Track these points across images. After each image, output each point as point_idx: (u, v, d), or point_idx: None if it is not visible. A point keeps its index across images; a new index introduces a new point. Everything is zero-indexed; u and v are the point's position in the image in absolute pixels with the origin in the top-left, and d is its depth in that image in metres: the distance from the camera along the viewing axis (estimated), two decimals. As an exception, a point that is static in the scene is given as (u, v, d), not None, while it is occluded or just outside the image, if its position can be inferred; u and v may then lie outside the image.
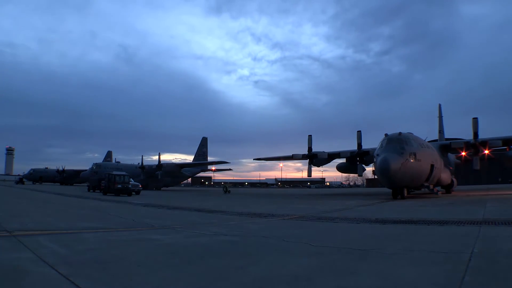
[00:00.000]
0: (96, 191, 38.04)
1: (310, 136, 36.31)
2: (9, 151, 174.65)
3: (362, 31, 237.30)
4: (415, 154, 23.25)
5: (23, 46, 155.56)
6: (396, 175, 22.43)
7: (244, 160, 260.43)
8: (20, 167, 69.75)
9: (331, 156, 37.54)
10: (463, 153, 31.24)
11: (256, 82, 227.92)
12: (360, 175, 48.87)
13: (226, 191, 45.94)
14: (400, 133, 24.49)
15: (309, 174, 38.00)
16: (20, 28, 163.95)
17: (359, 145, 32.55)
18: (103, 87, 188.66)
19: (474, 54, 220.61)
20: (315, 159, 36.65)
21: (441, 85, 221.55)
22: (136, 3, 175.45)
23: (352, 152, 34.72)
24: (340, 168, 38.45)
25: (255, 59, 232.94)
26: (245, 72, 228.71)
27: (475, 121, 28.01)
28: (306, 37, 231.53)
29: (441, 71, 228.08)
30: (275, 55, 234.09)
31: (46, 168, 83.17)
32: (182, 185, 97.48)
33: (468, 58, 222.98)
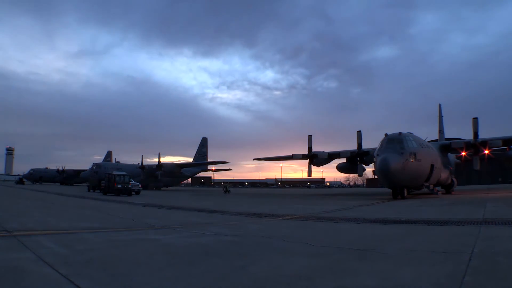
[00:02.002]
0: (96, 191, 38.02)
1: (310, 136, 36.32)
2: (9, 151, 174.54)
3: (282, 65, 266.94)
4: (415, 154, 23.24)
5: (48, 76, 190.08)
6: (396, 175, 22.43)
7: (244, 162, 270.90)
8: (29, 168, 76.50)
9: (331, 156, 37.54)
10: (463, 153, 31.25)
11: (211, 99, 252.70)
12: (360, 175, 48.92)
13: (226, 191, 45.94)
14: (400, 133, 24.48)
15: (309, 174, 38.01)
16: (43, 64, 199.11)
17: (359, 145, 32.55)
18: (111, 105, 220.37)
19: (397, 81, 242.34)
20: (315, 159, 36.65)
21: (380, 98, 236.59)
22: (140, 52, 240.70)
23: (352, 152, 34.71)
24: (340, 168, 38.43)
25: (200, 83, 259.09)
26: (197, 91, 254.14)
27: (475, 121, 28.01)
28: (239, 66, 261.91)
29: (376, 88, 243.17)
30: (215, 80, 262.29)
31: (46, 168, 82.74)
32: (182, 185, 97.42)
33: (394, 83, 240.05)
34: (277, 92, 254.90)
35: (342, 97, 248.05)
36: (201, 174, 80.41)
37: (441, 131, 44.36)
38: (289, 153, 42.04)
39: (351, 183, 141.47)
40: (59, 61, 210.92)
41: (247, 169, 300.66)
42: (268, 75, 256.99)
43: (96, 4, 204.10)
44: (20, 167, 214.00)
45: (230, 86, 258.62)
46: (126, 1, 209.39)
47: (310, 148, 36.07)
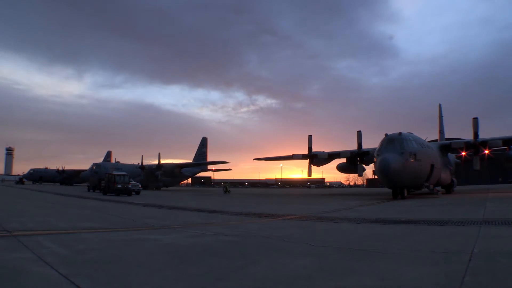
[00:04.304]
0: (96, 191, 38.02)
1: (310, 136, 36.34)
2: (9, 151, 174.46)
3: (222, 90, 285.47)
4: (415, 154, 23.25)
5: (70, 101, 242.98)
6: (396, 175, 22.43)
7: (244, 163, 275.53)
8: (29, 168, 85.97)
9: (331, 156, 37.54)
10: (463, 153, 31.27)
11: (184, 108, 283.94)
12: (360, 175, 49.05)
13: (226, 191, 45.92)
14: (400, 133, 24.48)
15: (309, 174, 38.00)
16: (68, 93, 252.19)
17: (359, 145, 32.54)
18: (116, 118, 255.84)
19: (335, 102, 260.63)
20: (315, 159, 36.65)
21: (323, 112, 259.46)
22: (147, 86, 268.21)
23: (352, 152, 34.70)
24: (340, 168, 38.43)
25: (161, 103, 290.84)
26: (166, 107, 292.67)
27: (475, 121, 28.02)
28: (189, 91, 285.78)
29: (317, 105, 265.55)
30: (171, 100, 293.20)
31: (46, 168, 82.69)
32: (182, 185, 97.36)
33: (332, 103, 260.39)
34: (228, 108, 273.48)
35: (286, 111, 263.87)
36: (201, 174, 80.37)
37: (441, 131, 44.37)
38: (289, 153, 42.08)
39: (351, 183, 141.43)
40: (80, 91, 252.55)
41: (249, 169, 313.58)
42: (214, 96, 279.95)
43: (112, 54, 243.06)
44: (21, 168, 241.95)
45: (186, 105, 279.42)
46: (133, 53, 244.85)
47: (310, 148, 36.07)
